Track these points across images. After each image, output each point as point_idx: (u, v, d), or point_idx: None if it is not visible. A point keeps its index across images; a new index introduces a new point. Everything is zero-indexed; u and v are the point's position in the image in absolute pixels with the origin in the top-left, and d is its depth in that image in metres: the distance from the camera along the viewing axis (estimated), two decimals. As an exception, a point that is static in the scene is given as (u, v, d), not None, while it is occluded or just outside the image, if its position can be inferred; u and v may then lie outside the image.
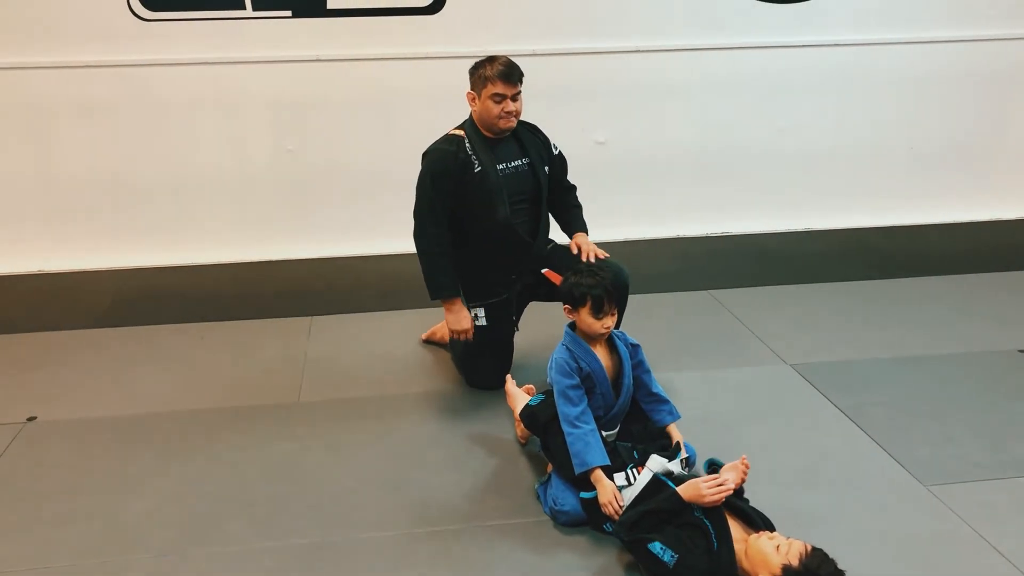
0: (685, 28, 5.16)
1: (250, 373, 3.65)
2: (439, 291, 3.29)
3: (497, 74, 3.15)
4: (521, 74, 3.22)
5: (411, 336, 3.96)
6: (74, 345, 3.93)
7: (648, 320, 4.05)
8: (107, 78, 4.73)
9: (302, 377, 3.61)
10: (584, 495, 2.59)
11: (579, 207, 3.61)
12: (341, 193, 5.06)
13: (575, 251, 3.44)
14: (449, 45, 4.94)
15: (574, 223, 3.56)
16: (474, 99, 3.25)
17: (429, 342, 3.89)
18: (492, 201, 3.26)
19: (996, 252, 5.05)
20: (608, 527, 2.55)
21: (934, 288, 4.53)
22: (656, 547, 2.33)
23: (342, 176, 5.05)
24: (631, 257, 5.06)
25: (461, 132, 3.29)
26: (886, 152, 5.53)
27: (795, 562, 2.15)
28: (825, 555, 2.18)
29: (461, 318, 3.32)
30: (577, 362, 2.75)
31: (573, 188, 3.63)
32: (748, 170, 5.44)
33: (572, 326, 2.84)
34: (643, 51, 5.16)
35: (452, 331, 3.34)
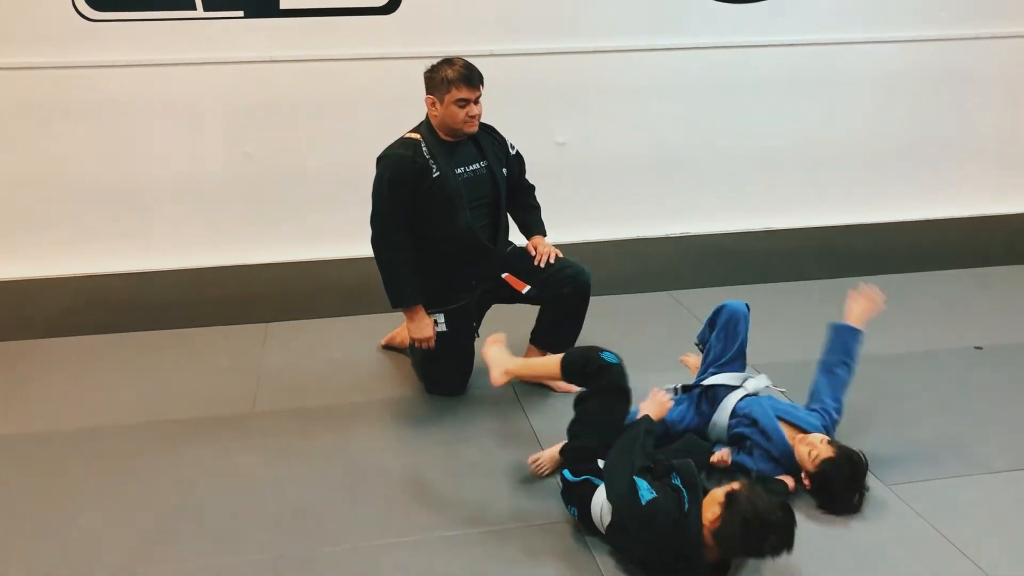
0: (644, 28, 5.15)
1: (204, 383, 3.56)
2: (401, 300, 3.23)
3: (460, 78, 3.09)
4: (481, 76, 3.17)
5: (370, 342, 3.89)
6: (22, 356, 3.82)
7: (609, 322, 4.02)
8: (54, 80, 4.61)
9: (257, 386, 3.53)
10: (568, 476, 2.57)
11: (537, 207, 3.58)
12: (299, 197, 4.97)
13: (532, 253, 3.41)
14: (406, 46, 4.87)
15: (532, 225, 3.53)
16: (434, 103, 3.17)
17: (389, 347, 3.83)
18: (452, 207, 3.20)
19: (955, 249, 5.11)
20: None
21: (893, 286, 4.45)
22: (643, 484, 2.33)
23: (300, 179, 4.97)
24: (591, 258, 5.02)
25: (417, 136, 3.22)
26: (846, 151, 5.56)
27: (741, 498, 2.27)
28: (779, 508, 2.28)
29: (423, 326, 3.26)
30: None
31: (531, 188, 3.59)
32: (708, 170, 5.45)
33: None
34: (602, 51, 5.15)
35: (414, 339, 3.28)
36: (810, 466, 2.71)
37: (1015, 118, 5.65)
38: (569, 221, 5.32)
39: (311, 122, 4.90)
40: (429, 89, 3.16)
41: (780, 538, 2.27)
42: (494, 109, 5.02)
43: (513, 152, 3.45)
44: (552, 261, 3.40)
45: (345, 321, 4.15)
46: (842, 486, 2.66)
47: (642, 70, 5.23)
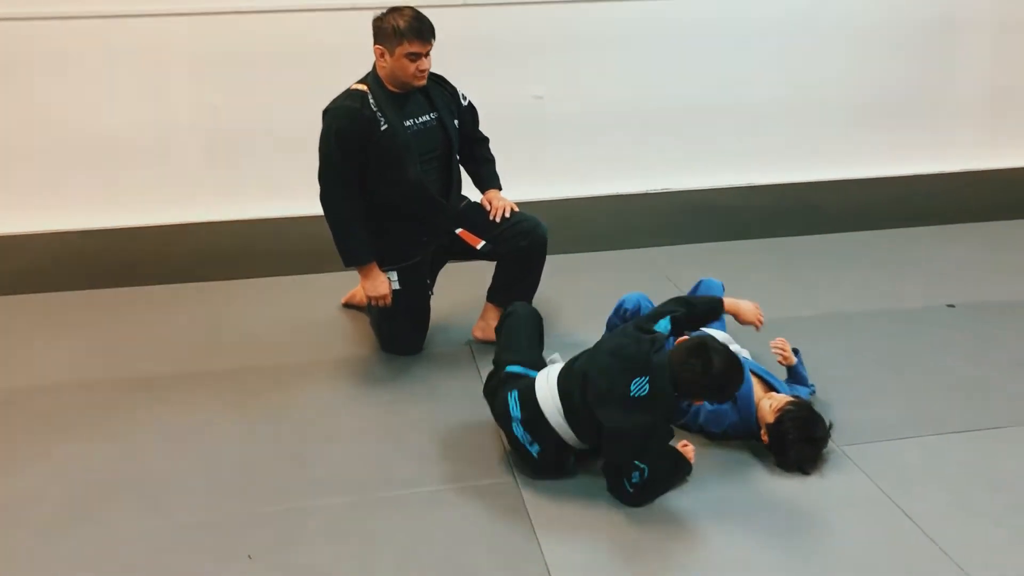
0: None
1: (158, 341, 3.51)
2: (353, 259, 3.16)
3: (411, 31, 2.97)
4: (433, 28, 3.05)
5: (332, 300, 3.83)
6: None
7: (580, 279, 3.97)
8: (15, 31, 4.51)
9: (214, 345, 3.48)
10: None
11: (491, 160, 3.48)
12: (265, 152, 4.89)
13: (487, 207, 3.33)
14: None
15: (487, 178, 3.44)
16: (383, 54, 3.05)
17: (348, 306, 3.77)
18: (401, 160, 3.11)
19: (936, 205, 4.99)
20: None
21: (872, 244, 4.46)
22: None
23: (266, 133, 4.87)
24: (568, 215, 5.00)
25: (364, 87, 3.11)
26: (828, 105, 5.42)
27: None
28: None
29: (378, 284, 3.20)
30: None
31: (485, 140, 3.49)
32: (688, 125, 5.32)
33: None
34: (582, 1, 5.01)
35: (369, 297, 3.22)
36: (770, 416, 2.65)
37: (1001, 68, 5.48)
38: (546, 177, 5.25)
39: (278, 75, 4.79)
40: (378, 39, 3.06)
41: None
42: (468, 62, 4.94)
43: (465, 103, 3.35)
44: (507, 215, 3.32)
45: (311, 279, 4.08)
46: (799, 436, 2.59)
47: (622, 21, 5.09)
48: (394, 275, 3.25)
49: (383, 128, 3.06)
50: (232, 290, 3.97)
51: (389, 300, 3.22)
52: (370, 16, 4.53)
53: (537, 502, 2.51)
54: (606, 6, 5.06)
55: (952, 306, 3.73)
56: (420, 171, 3.15)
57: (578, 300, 3.71)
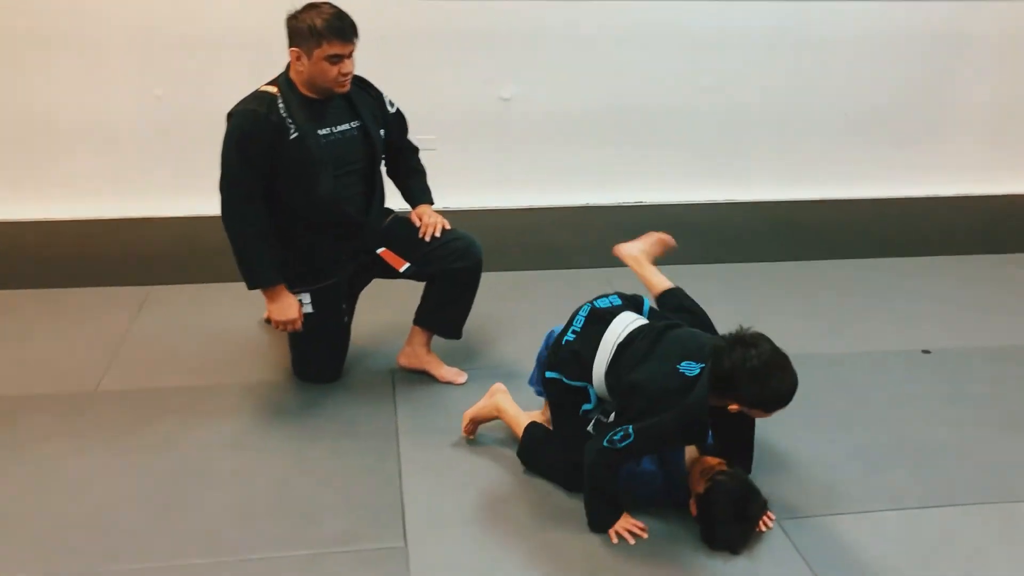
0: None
1: (56, 353, 3.22)
2: (256, 280, 2.83)
3: (331, 30, 2.63)
4: (355, 26, 2.72)
5: (257, 313, 3.51)
6: None
7: (535, 299, 3.68)
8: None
9: (112, 360, 3.19)
10: None
11: (422, 172, 3.17)
12: (209, 144, 4.57)
13: (416, 223, 3.02)
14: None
15: (417, 192, 3.13)
16: (299, 56, 2.70)
17: (270, 322, 3.46)
18: (312, 174, 2.78)
19: (933, 233, 4.65)
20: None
21: (855, 272, 4.14)
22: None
23: (214, 126, 4.55)
24: (530, 227, 4.69)
25: (274, 89, 2.76)
26: (821, 118, 5.07)
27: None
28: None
29: (285, 307, 2.87)
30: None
31: (415, 150, 3.17)
32: (667, 134, 4.98)
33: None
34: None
35: (276, 323, 2.90)
36: (699, 485, 2.35)
37: (1008, 88, 5.12)
38: (510, 185, 4.94)
39: (229, 62, 4.48)
40: (293, 40, 2.70)
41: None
42: (431, 59, 4.64)
43: (393, 110, 3.02)
44: (438, 234, 3.01)
45: (241, 287, 3.77)
46: (728, 514, 2.29)
47: (600, 19, 4.74)
48: (307, 297, 2.93)
49: (292, 136, 2.73)
50: (148, 297, 3.67)
51: (298, 326, 2.90)
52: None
53: (425, 574, 2.21)
54: (583, 4, 4.72)
55: (927, 352, 3.40)
56: (335, 185, 2.82)
57: (529, 322, 3.37)
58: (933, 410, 2.99)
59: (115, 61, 4.43)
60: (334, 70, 2.70)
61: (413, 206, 3.13)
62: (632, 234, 3.14)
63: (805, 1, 4.80)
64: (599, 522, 2.38)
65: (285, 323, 2.89)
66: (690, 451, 2.50)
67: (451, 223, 3.08)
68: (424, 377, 3.11)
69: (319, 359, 3.05)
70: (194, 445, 2.71)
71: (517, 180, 4.94)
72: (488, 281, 3.12)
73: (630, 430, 2.24)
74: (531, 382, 2.82)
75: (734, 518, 2.28)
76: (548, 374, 2.54)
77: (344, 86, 2.77)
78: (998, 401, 3.05)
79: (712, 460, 2.42)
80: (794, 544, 2.34)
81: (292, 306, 2.88)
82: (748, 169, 5.11)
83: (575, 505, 2.43)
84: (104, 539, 2.30)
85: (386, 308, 3.36)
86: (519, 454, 2.61)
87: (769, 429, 2.75)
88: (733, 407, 2.23)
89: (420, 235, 3.01)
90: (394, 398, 2.99)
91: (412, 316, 3.15)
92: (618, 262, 3.11)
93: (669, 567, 2.27)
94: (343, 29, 2.67)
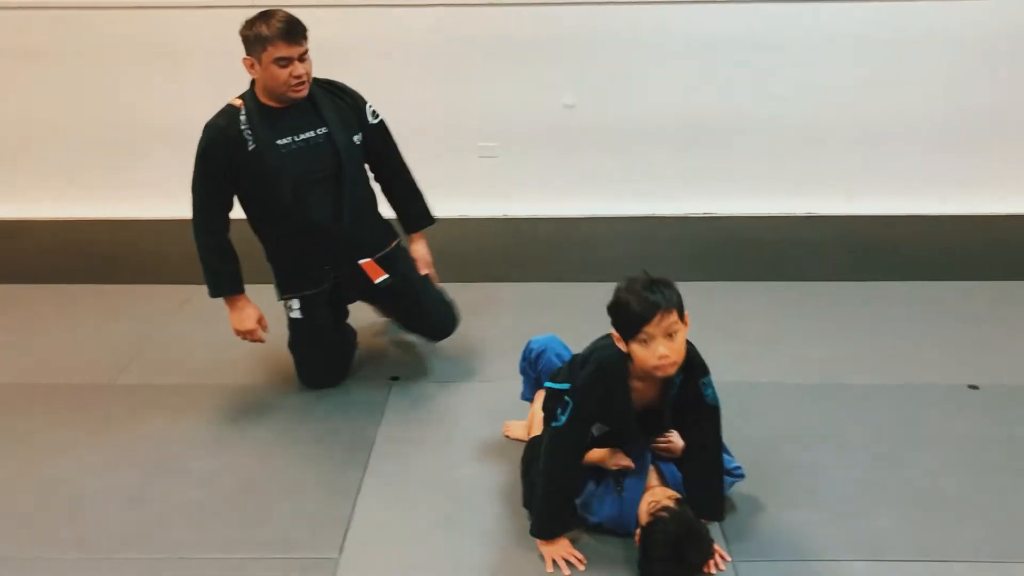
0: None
1: (88, 346, 3.41)
2: (214, 289, 2.90)
3: (278, 34, 2.64)
4: (304, 29, 2.72)
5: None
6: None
7: (586, 312, 3.58)
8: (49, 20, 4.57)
9: (136, 355, 3.34)
10: None
11: (416, 196, 3.13)
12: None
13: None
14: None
15: (413, 218, 3.12)
16: (253, 65, 2.73)
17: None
18: (269, 184, 2.79)
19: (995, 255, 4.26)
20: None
21: (918, 295, 3.81)
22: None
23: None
24: (591, 237, 4.59)
25: (239, 102, 2.80)
26: (907, 128, 4.71)
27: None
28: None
29: (244, 317, 2.92)
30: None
31: (404, 167, 3.11)
32: (738, 144, 4.77)
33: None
34: (619, 3, 4.56)
35: (236, 332, 2.95)
36: (643, 517, 2.23)
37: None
38: (571, 193, 4.86)
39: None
40: (246, 49, 2.73)
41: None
42: (493, 67, 4.62)
43: (375, 120, 2.98)
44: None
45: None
46: (667, 554, 2.14)
47: (667, 25, 4.60)
48: (296, 303, 2.98)
49: (250, 148, 2.75)
50: (189, 296, 3.81)
51: (256, 336, 2.94)
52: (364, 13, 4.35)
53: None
54: (648, 9, 4.58)
55: (975, 388, 3.08)
56: (295, 195, 2.81)
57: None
58: (956, 453, 2.69)
59: (192, 73, 4.67)
60: (284, 73, 2.69)
61: (408, 232, 3.12)
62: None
63: (882, 1, 4.47)
64: (543, 527, 2.29)
65: (242, 333, 2.94)
66: (651, 481, 2.36)
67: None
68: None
69: (315, 364, 3.08)
70: (176, 441, 2.80)
71: (578, 188, 4.86)
72: (543, 291, 3.05)
73: (567, 398, 2.19)
74: (523, 397, 2.78)
75: (670, 558, 2.13)
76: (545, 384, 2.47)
77: (299, 90, 2.75)
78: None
79: (665, 493, 2.28)
80: (742, 589, 2.16)
81: (249, 317, 2.92)
82: (816, 182, 4.82)
83: (523, 536, 2.34)
84: (59, 527, 2.40)
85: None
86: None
87: (763, 458, 2.59)
88: (623, 345, 2.15)
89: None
90: (384, 409, 2.97)
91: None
92: (686, 274, 2.97)
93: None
94: (288, 31, 2.67)
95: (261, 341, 2.96)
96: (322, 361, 3.08)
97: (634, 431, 2.29)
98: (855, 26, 4.54)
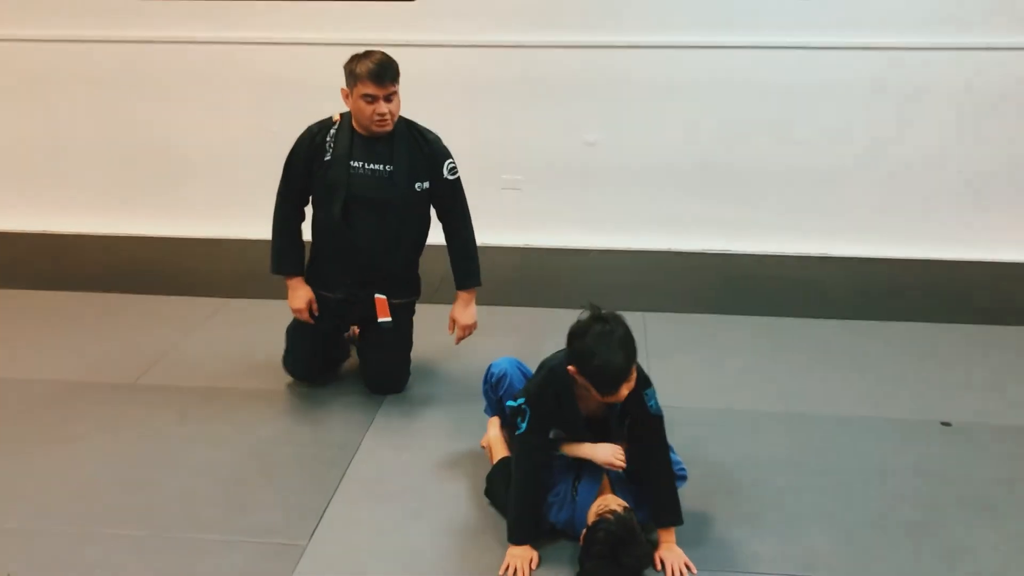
0: (692, 23, 4.71)
1: (118, 349, 3.71)
2: (276, 267, 3.25)
3: (367, 74, 2.95)
4: (396, 73, 3.01)
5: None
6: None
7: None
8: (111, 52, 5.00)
9: (160, 360, 3.63)
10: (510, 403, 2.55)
11: (470, 256, 3.31)
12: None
13: (451, 323, 3.33)
14: (430, 33, 4.80)
15: (462, 276, 3.31)
16: (347, 96, 3.07)
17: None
18: (330, 194, 3.12)
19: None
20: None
21: (919, 336, 3.91)
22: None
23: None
24: (607, 267, 4.77)
25: (338, 117, 3.16)
26: (923, 173, 4.80)
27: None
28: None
29: (296, 296, 3.24)
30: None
31: (467, 228, 3.30)
32: (757, 183, 4.92)
33: None
34: (641, 47, 4.78)
35: (291, 309, 3.26)
36: (590, 519, 2.38)
37: None
38: (592, 226, 5.05)
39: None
40: (346, 81, 3.07)
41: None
42: (520, 104, 4.86)
43: (451, 177, 3.21)
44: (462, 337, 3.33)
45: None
46: (602, 552, 2.27)
47: (686, 68, 4.79)
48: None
49: (326, 159, 3.10)
50: (221, 308, 4.13)
51: (305, 316, 3.24)
52: (418, 52, 4.68)
53: (310, 573, 2.38)
54: (668, 53, 4.78)
55: (947, 424, 3.15)
56: (345, 211, 3.11)
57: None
58: (915, 485, 2.78)
59: (233, 104, 5.03)
60: (369, 109, 3.01)
61: (456, 287, 3.33)
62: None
63: (899, 50, 4.58)
64: (513, 530, 2.43)
65: (295, 311, 3.25)
66: (604, 489, 2.51)
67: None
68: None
69: (298, 355, 3.37)
70: (181, 437, 3.05)
71: (596, 221, 5.04)
72: (555, 317, 3.23)
73: (524, 406, 2.40)
74: (485, 411, 2.95)
75: (606, 556, 2.27)
76: (507, 403, 2.66)
77: (381, 125, 3.04)
78: (1001, 484, 2.79)
79: (615, 500, 2.43)
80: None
81: (301, 298, 3.23)
82: (839, 223, 4.92)
83: (484, 534, 2.51)
84: (64, 505, 2.66)
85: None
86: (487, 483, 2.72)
87: (720, 480, 2.73)
88: (580, 379, 2.30)
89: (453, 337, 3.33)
90: (374, 418, 3.19)
91: (426, 338, 3.48)
92: (682, 306, 3.14)
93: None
94: (379, 73, 2.97)
95: (310, 321, 3.24)
96: (306, 354, 3.35)
97: (584, 437, 2.46)
98: (872, 71, 4.65)
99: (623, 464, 2.41)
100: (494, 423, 2.90)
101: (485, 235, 4.93)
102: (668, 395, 3.21)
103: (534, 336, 3.76)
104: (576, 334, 2.31)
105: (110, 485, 2.77)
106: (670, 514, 2.44)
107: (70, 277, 4.59)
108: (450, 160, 3.21)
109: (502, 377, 2.80)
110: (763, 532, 2.54)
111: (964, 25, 4.52)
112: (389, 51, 4.79)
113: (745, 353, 3.73)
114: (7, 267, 4.78)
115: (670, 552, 2.40)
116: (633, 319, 3.84)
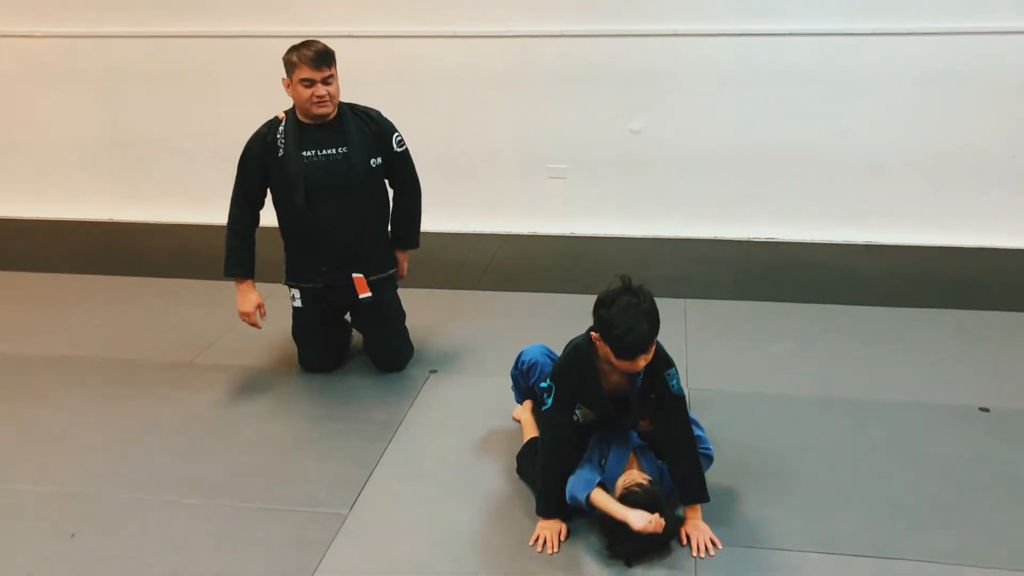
0: (736, 11, 4.73)
1: (181, 330, 3.91)
2: (228, 270, 3.37)
3: (303, 59, 3.11)
4: (331, 57, 3.16)
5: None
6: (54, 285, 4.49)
7: None
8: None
9: (217, 340, 3.80)
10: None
11: (412, 218, 3.50)
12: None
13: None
14: (473, 24, 4.90)
15: (400, 237, 3.51)
16: (288, 85, 3.20)
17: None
18: (289, 188, 3.24)
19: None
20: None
21: (963, 323, 3.89)
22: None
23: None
24: (651, 255, 4.82)
25: (283, 115, 3.28)
26: (974, 162, 4.74)
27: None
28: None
29: (245, 300, 3.37)
30: None
31: (413, 195, 3.49)
32: (801, 172, 4.91)
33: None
34: (686, 35, 4.81)
35: (238, 313, 3.39)
36: (618, 492, 2.46)
37: None
38: (636, 213, 5.09)
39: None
40: (286, 71, 3.20)
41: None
42: (565, 93, 4.93)
43: (400, 149, 3.37)
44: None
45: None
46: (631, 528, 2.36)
47: (731, 56, 4.81)
48: (296, 293, 3.43)
49: (279, 155, 3.22)
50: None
51: (253, 319, 3.37)
52: (451, 43, 4.74)
53: (346, 542, 2.50)
54: (714, 41, 4.80)
55: (985, 410, 3.15)
56: (308, 200, 3.23)
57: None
58: (947, 469, 2.79)
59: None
60: (307, 92, 3.15)
61: (394, 248, 3.50)
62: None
63: (945, 35, 4.53)
64: (540, 503, 2.52)
65: (242, 314, 3.39)
66: (630, 464, 2.59)
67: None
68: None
69: (311, 350, 3.50)
70: (233, 413, 3.22)
71: (641, 210, 5.09)
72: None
73: (549, 382, 2.50)
74: (515, 397, 3.04)
75: (635, 532, 2.35)
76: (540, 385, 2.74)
77: (320, 107, 3.18)
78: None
79: (640, 475, 2.51)
80: (695, 568, 2.36)
81: (250, 302, 3.36)
82: (886, 212, 4.89)
83: (520, 516, 2.59)
84: (122, 472, 2.84)
85: (430, 312, 3.72)
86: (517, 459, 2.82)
87: (751, 462, 2.80)
88: (603, 349, 2.38)
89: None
90: (416, 397, 3.31)
91: (456, 320, 3.55)
92: (730, 295, 3.43)
93: (563, 566, 2.39)
94: (315, 58, 3.12)
95: (257, 326, 3.39)
96: (316, 347, 3.49)
97: (609, 412, 2.54)
98: (918, 58, 4.61)
99: (659, 528, 2.32)
100: (525, 405, 2.99)
101: (531, 224, 5.08)
102: (703, 378, 3.33)
103: (577, 322, 3.81)
104: (603, 302, 2.38)
105: (165, 455, 2.94)
106: (694, 491, 2.50)
107: (137, 263, 4.81)
108: (397, 133, 3.37)
109: (533, 365, 2.87)
110: (789, 512, 2.59)
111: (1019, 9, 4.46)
112: (429, 43, 4.99)
113: (784, 339, 3.75)
114: (75, 253, 5.03)
115: (696, 528, 2.46)
116: (674, 306, 4.05)
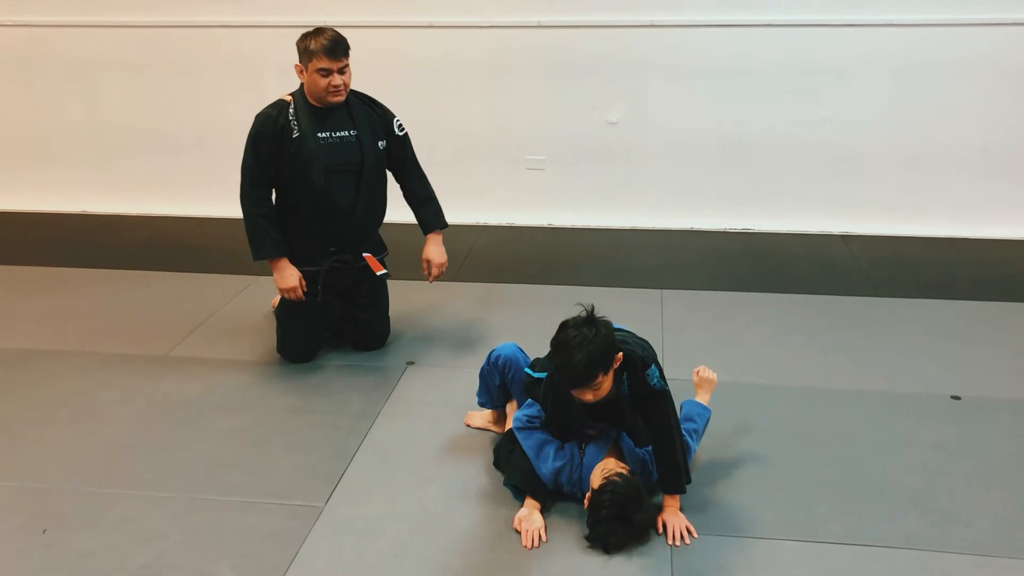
0: (713, 2, 4.73)
1: (157, 322, 3.86)
2: (259, 252, 3.32)
3: (321, 49, 3.13)
4: (347, 47, 3.18)
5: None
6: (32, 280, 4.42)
7: (602, 312, 3.80)
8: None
9: (192, 332, 3.77)
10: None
11: (431, 199, 3.52)
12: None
13: (424, 264, 3.49)
14: (451, 15, 4.87)
15: (429, 219, 3.52)
16: (301, 71, 3.23)
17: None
18: (308, 167, 3.24)
19: None
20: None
21: (935, 313, 3.92)
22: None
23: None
24: (628, 245, 4.82)
25: (289, 98, 3.28)
26: (949, 152, 4.78)
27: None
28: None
29: (287, 276, 3.33)
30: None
31: (422, 177, 3.53)
32: (778, 162, 4.93)
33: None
34: (662, 26, 4.80)
35: (281, 290, 3.35)
36: (595, 482, 2.47)
37: None
38: (613, 204, 5.09)
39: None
40: (299, 58, 3.21)
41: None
42: (542, 85, 4.92)
43: (400, 133, 3.42)
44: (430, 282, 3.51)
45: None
46: (612, 513, 2.36)
47: (708, 47, 4.81)
48: None
49: (295, 136, 3.21)
50: (257, 284, 4.26)
51: (299, 294, 3.33)
52: (433, 33, 4.71)
53: (322, 535, 2.49)
54: (692, 32, 4.80)
55: (957, 398, 3.18)
56: (326, 180, 3.25)
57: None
58: (921, 457, 2.82)
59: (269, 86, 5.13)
60: (324, 82, 3.17)
61: (425, 232, 3.50)
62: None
63: (920, 27, 4.56)
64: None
65: (287, 290, 3.34)
66: (609, 453, 2.59)
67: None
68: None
69: (295, 336, 3.48)
70: (208, 405, 3.19)
71: (620, 201, 5.09)
72: (575, 294, 3.26)
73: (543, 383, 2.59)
74: (479, 395, 3.00)
75: (616, 519, 2.35)
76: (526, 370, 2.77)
77: (335, 96, 3.21)
78: (1004, 455, 2.82)
79: (617, 464, 2.51)
80: (671, 557, 2.37)
81: (293, 276, 3.33)
82: (861, 202, 4.92)
83: (497, 508, 2.59)
84: (95, 466, 2.81)
85: (408, 303, 3.69)
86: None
87: (728, 449, 2.81)
88: None
89: (426, 276, 3.50)
90: (393, 388, 3.29)
91: (434, 311, 3.57)
92: (707, 285, 3.50)
93: (542, 555, 2.39)
94: (332, 48, 3.14)
95: (302, 299, 3.35)
96: (304, 334, 3.48)
97: (585, 424, 2.57)
98: (893, 49, 4.64)
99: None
100: (484, 414, 2.99)
101: (509, 214, 5.07)
102: (680, 368, 3.33)
103: (557, 313, 3.79)
104: (559, 328, 2.38)
105: (140, 449, 2.91)
106: (675, 481, 2.51)
107: (111, 256, 4.76)
108: (397, 119, 3.42)
109: (508, 361, 2.84)
110: (766, 500, 2.60)
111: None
112: (405, 34, 4.96)
113: (761, 329, 3.77)
114: (47, 246, 4.96)
115: (673, 516, 2.47)
116: (651, 296, 4.06)
